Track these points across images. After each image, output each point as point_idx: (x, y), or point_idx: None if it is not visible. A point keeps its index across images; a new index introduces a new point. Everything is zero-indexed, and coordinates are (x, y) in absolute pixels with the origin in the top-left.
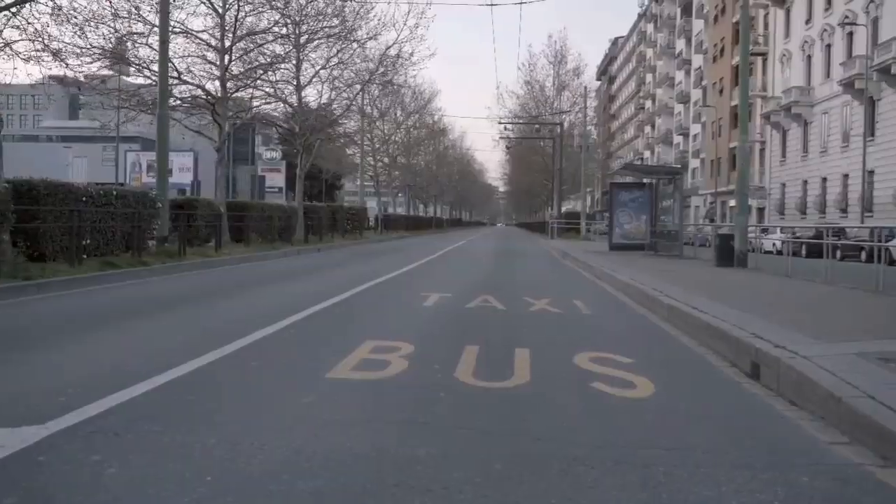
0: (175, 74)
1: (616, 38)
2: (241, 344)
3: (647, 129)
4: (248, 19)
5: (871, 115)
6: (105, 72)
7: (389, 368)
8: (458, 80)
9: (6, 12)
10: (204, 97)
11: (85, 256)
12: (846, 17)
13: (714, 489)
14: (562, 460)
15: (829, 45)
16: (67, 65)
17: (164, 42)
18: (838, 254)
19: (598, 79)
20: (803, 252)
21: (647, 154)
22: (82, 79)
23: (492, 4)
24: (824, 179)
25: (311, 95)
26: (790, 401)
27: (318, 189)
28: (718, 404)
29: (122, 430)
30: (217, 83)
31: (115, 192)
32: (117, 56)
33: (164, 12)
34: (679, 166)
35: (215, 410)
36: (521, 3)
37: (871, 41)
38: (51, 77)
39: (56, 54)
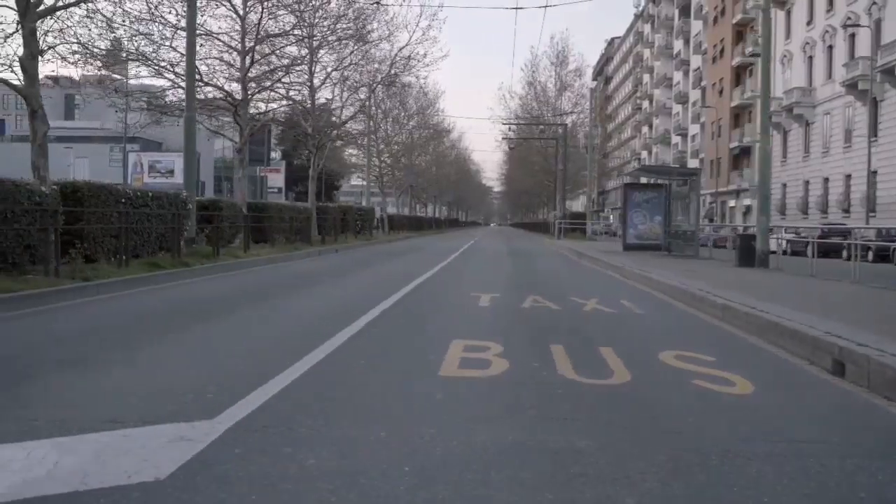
0: (197, 77)
1: (612, 39)
2: (334, 344)
3: (645, 129)
4: (268, 22)
5: (874, 116)
6: (116, 75)
7: (493, 367)
8: (457, 80)
9: (51, 15)
10: (226, 99)
11: (124, 257)
12: (849, 18)
13: (869, 477)
14: (717, 453)
15: (830, 47)
16: (106, 68)
17: (191, 44)
18: (844, 254)
19: (594, 79)
20: (809, 252)
21: (644, 154)
22: (93, 80)
23: (517, 8)
24: (826, 180)
25: (323, 97)
26: (885, 397)
27: (317, 189)
28: (821, 400)
29: (288, 425)
30: (236, 85)
31: (150, 194)
32: (145, 59)
33: (192, 14)
34: (696, 168)
35: (362, 406)
36: (545, 7)
37: (874, 42)
38: (46, 76)
39: (96, 57)
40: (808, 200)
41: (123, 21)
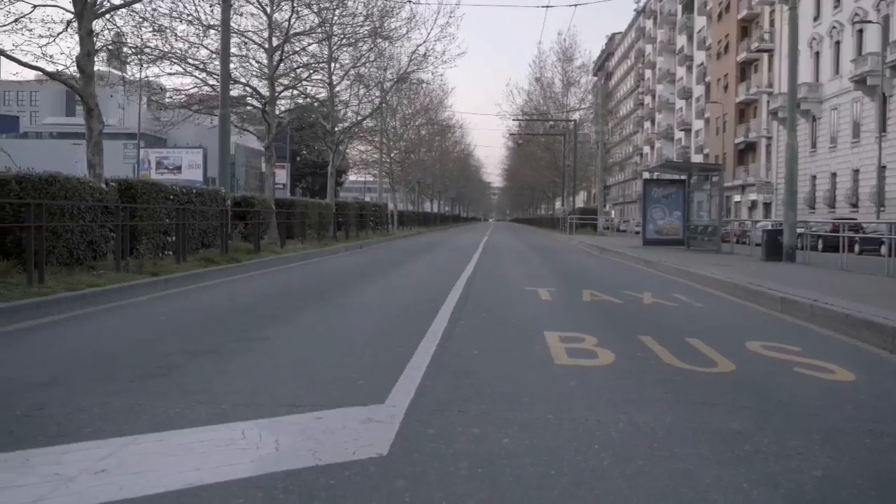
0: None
1: (613, 35)
2: (436, 335)
3: (647, 124)
4: (295, 21)
5: (883, 112)
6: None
7: (601, 357)
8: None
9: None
10: (254, 98)
11: (170, 253)
12: (856, 14)
13: None
14: (863, 433)
15: (837, 42)
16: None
17: (225, 43)
18: (857, 248)
19: (595, 75)
20: (819, 246)
21: (646, 149)
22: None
23: (547, 7)
24: (834, 174)
25: (340, 94)
26: None
27: (321, 184)
28: None
29: (458, 408)
30: (263, 83)
31: (194, 190)
32: (183, 58)
33: (226, 15)
34: (718, 164)
35: (509, 391)
36: (575, 6)
37: (884, 38)
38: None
39: (148, 57)
40: (815, 195)
41: (164, 22)
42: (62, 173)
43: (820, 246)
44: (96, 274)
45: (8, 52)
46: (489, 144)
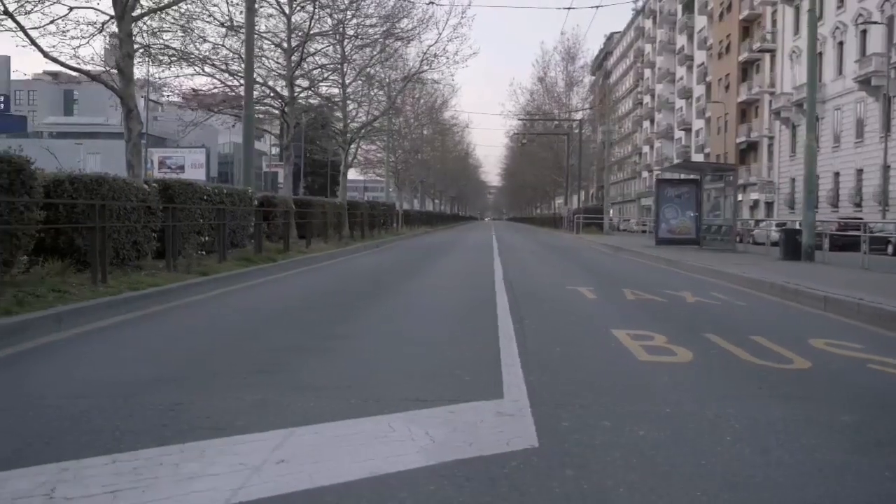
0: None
1: (611, 34)
2: (509, 333)
3: (647, 124)
4: (315, 23)
5: (888, 112)
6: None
7: (680, 354)
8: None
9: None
10: (274, 98)
11: (203, 253)
12: (860, 15)
13: None
14: None
15: (841, 43)
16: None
17: (249, 45)
18: (862, 247)
19: (593, 74)
20: (826, 246)
21: (646, 149)
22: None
23: (569, 8)
24: (837, 174)
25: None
26: None
27: (321, 183)
28: None
29: (578, 402)
30: (280, 83)
31: (224, 190)
32: (203, 59)
33: (251, 17)
34: (732, 164)
35: (615, 385)
36: (597, 7)
37: (888, 39)
38: (45, 72)
39: (170, 58)
40: (818, 195)
41: (192, 24)
42: (109, 174)
43: (827, 245)
44: (148, 273)
45: (52, 55)
46: (487, 144)
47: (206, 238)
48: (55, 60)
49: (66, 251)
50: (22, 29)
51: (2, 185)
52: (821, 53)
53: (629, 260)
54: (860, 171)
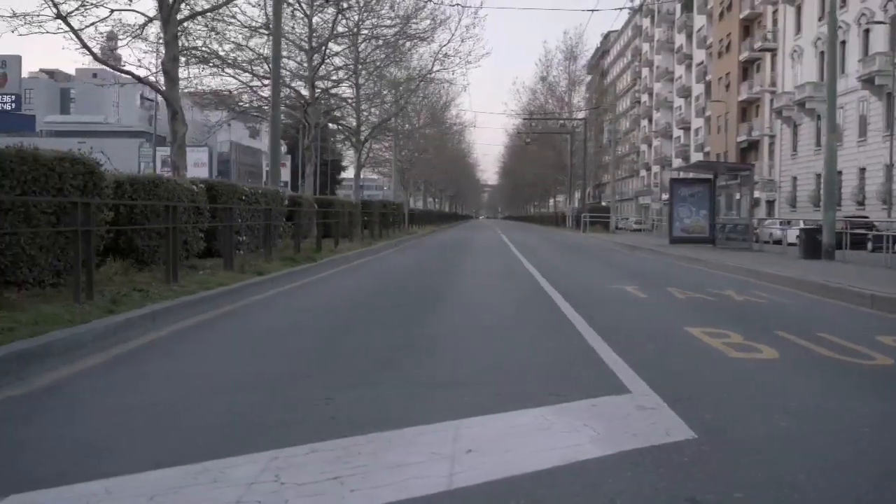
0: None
1: (608, 33)
2: (588, 329)
3: (644, 122)
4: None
5: (891, 111)
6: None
7: (765, 352)
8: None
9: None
10: (297, 100)
11: (240, 252)
12: (863, 14)
13: None
14: None
15: (843, 42)
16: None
17: (276, 48)
18: (869, 245)
19: (589, 73)
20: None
21: (644, 147)
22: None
23: (593, 10)
24: (839, 173)
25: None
26: None
27: (321, 182)
28: None
29: (703, 397)
30: (300, 84)
31: (259, 191)
32: (224, 60)
33: (277, 21)
34: (750, 164)
35: (719, 382)
36: (620, 10)
37: (892, 38)
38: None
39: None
40: (819, 193)
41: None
42: (163, 175)
43: (847, 244)
44: (206, 273)
45: (99, 56)
46: (484, 143)
47: (244, 238)
48: (105, 63)
49: (126, 251)
50: (73, 31)
51: (77, 187)
52: (822, 53)
53: (652, 259)
54: (863, 170)
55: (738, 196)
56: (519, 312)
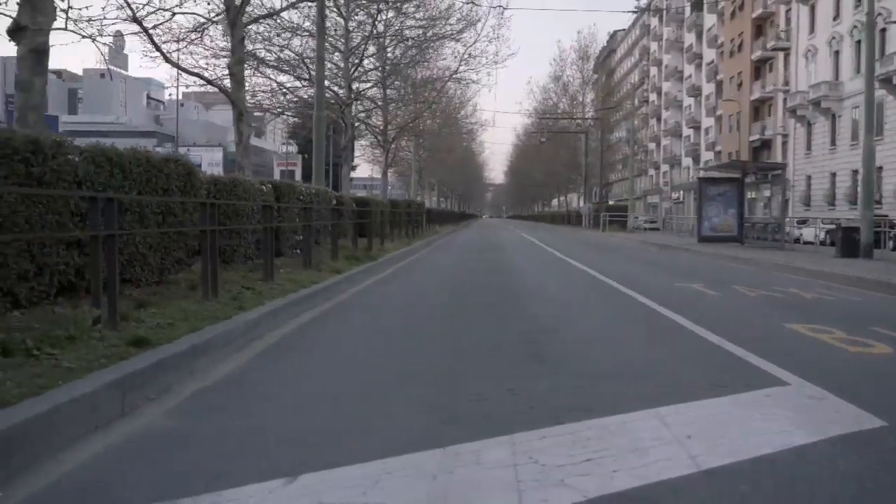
0: (307, 77)
1: (615, 32)
2: (696, 328)
3: (653, 122)
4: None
5: None
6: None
7: (877, 347)
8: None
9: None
10: (335, 101)
11: (297, 252)
12: (879, 13)
13: None
14: None
15: (858, 42)
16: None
17: (320, 48)
18: (891, 244)
19: (595, 72)
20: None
21: (652, 146)
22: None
23: (628, 11)
24: (855, 172)
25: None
26: None
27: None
28: None
29: (864, 387)
30: (338, 85)
31: (314, 190)
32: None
33: (321, 21)
34: (782, 162)
35: (857, 375)
36: (636, 12)
37: None
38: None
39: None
40: (835, 192)
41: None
42: (239, 176)
43: (890, 244)
44: (287, 272)
45: (175, 60)
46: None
47: (300, 237)
48: (176, 65)
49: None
50: (146, 33)
51: (179, 187)
52: (837, 52)
53: (691, 257)
54: (880, 169)
55: (767, 194)
56: (612, 311)
